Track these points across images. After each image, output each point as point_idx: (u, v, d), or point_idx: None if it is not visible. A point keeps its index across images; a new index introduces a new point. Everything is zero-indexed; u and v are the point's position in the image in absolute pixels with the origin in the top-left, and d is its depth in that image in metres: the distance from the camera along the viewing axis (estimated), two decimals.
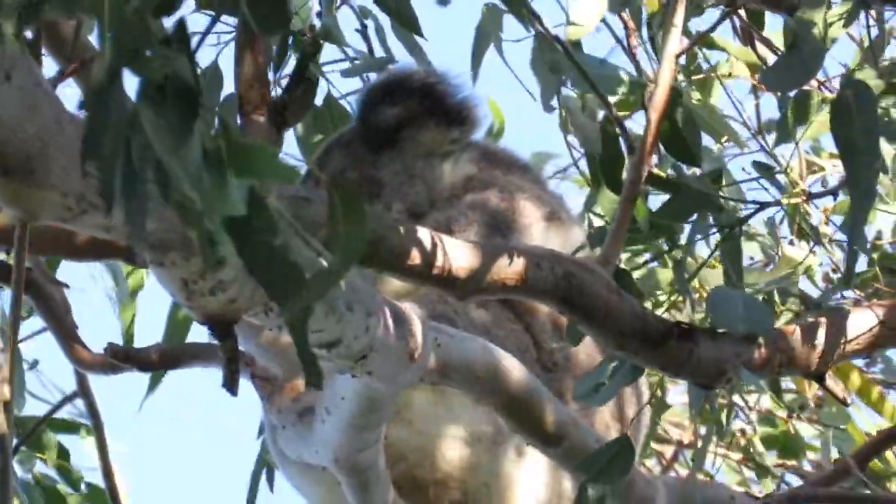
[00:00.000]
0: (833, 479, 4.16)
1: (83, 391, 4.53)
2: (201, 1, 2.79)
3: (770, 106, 5.60)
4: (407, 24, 4.09)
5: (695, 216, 3.61)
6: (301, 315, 2.71)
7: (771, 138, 4.87)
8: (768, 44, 4.54)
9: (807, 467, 5.68)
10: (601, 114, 4.10)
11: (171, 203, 2.54)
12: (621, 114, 4.20)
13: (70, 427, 5.23)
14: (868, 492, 4.13)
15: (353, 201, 2.59)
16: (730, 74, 4.95)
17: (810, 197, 4.02)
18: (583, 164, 4.87)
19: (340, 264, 2.65)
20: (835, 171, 5.45)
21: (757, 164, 3.86)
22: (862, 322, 3.52)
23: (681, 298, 3.65)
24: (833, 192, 3.55)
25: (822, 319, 3.47)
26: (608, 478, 3.42)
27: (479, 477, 3.98)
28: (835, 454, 5.22)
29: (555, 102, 4.32)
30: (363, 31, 4.55)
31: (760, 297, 3.62)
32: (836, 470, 4.16)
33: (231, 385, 3.05)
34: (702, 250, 4.19)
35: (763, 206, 3.75)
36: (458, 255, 3.19)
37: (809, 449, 5.52)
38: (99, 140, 2.48)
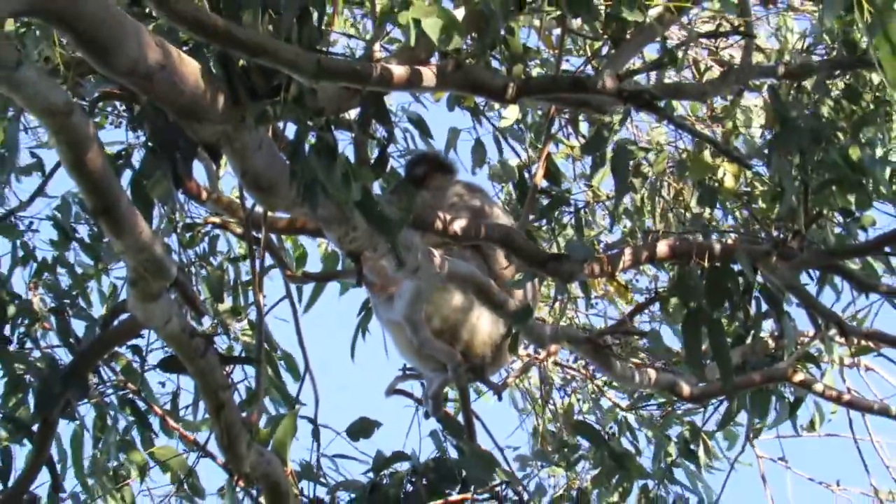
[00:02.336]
0: (616, 328, 3.87)
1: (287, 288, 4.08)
2: (339, 124, 2.87)
3: None
4: (424, 132, 4.21)
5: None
6: (395, 238, 2.86)
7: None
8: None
9: None
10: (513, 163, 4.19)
11: (330, 199, 2.64)
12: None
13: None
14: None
15: (407, 191, 2.87)
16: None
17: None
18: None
19: (403, 215, 2.82)
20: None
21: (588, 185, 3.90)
22: (635, 253, 3.39)
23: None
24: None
25: (617, 251, 3.39)
26: (521, 321, 3.44)
27: (464, 324, 3.90)
28: None
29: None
30: (404, 136, 4.55)
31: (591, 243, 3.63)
32: (618, 322, 3.91)
33: (359, 284, 3.22)
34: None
35: (588, 203, 3.83)
36: (457, 226, 3.28)
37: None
38: (297, 172, 2.56)
